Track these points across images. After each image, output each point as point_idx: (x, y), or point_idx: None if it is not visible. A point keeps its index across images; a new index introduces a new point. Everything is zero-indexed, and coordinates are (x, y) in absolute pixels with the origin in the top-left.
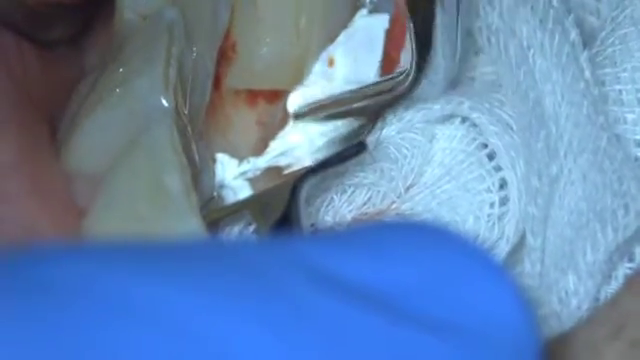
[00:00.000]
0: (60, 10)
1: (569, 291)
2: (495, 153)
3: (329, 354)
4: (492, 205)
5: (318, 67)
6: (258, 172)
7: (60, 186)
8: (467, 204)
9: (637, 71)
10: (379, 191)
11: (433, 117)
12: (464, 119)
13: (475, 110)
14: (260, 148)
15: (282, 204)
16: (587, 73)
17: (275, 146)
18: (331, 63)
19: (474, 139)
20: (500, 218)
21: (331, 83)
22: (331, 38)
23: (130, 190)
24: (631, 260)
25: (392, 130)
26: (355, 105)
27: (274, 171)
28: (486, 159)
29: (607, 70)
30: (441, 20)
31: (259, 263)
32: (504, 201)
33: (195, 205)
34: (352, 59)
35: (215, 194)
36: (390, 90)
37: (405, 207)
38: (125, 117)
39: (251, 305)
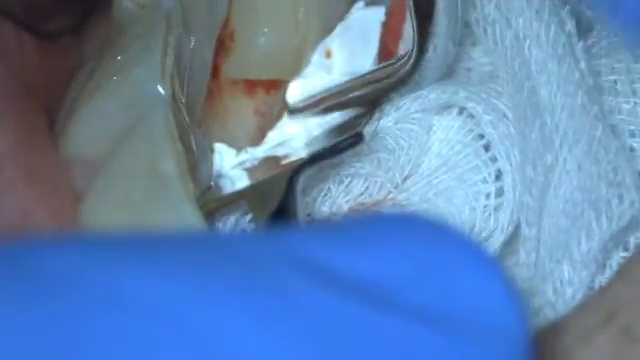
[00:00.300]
0: (60, 2)
1: (564, 281)
2: (491, 144)
3: (319, 345)
4: (488, 196)
5: (316, 58)
6: (256, 162)
7: (57, 175)
8: (463, 195)
9: (632, 62)
10: (376, 181)
11: (429, 106)
12: (461, 110)
13: (471, 100)
14: (258, 138)
15: (279, 194)
16: (582, 64)
17: (273, 136)
18: (328, 55)
19: (471, 130)
20: (496, 209)
21: (329, 74)
22: (328, 30)
23: (127, 177)
24: (626, 249)
25: (389, 121)
26: (355, 94)
27: (272, 161)
28: (482, 150)
29: (602, 61)
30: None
31: (251, 255)
32: (500, 192)
33: (191, 192)
34: (348, 51)
35: (212, 183)
36: (391, 75)
37: (402, 197)
38: (122, 105)
39: (241, 297)
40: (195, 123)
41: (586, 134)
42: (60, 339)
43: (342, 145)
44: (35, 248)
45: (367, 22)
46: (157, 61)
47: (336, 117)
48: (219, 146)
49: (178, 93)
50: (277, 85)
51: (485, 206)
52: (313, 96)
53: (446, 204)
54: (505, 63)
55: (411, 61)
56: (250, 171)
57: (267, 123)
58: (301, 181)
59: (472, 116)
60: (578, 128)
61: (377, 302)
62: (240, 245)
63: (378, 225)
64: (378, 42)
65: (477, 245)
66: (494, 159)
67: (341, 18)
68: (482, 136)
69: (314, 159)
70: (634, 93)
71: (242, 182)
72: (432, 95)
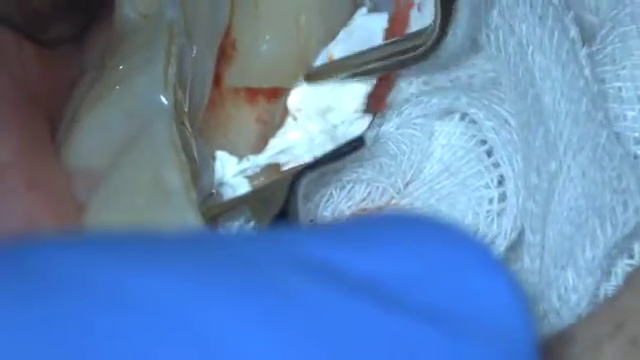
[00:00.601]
0: (61, 9)
1: (568, 287)
2: (493, 149)
3: (323, 344)
4: (491, 201)
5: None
6: (258, 170)
7: (60, 183)
8: (466, 200)
9: (636, 69)
10: (378, 187)
11: (431, 112)
12: (463, 115)
13: (472, 106)
14: (260, 146)
15: (281, 200)
16: (587, 70)
17: (275, 144)
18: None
19: (473, 135)
20: (499, 214)
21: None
22: (331, 36)
23: (130, 186)
24: (631, 257)
25: (391, 126)
26: (374, 65)
27: (274, 169)
28: (485, 155)
29: (607, 68)
30: None
31: (253, 254)
32: (503, 197)
33: (194, 202)
34: None
35: (214, 191)
36: (411, 50)
37: (404, 203)
38: (125, 115)
39: (244, 295)
40: (197, 131)
41: (590, 141)
42: (63, 337)
43: (344, 150)
44: (37, 248)
45: (370, 28)
46: (160, 71)
47: (339, 124)
48: (221, 154)
49: (181, 103)
50: (279, 93)
51: (488, 211)
52: (333, 62)
53: (449, 209)
54: (508, 70)
55: (434, 35)
56: (252, 179)
57: (269, 131)
58: (302, 186)
59: (474, 122)
60: (582, 135)
61: (381, 301)
62: (242, 244)
63: (383, 225)
64: None
65: (483, 246)
66: (496, 164)
67: (344, 24)
68: (484, 142)
69: (316, 164)
70: (639, 100)
71: (243, 190)
72: (434, 100)
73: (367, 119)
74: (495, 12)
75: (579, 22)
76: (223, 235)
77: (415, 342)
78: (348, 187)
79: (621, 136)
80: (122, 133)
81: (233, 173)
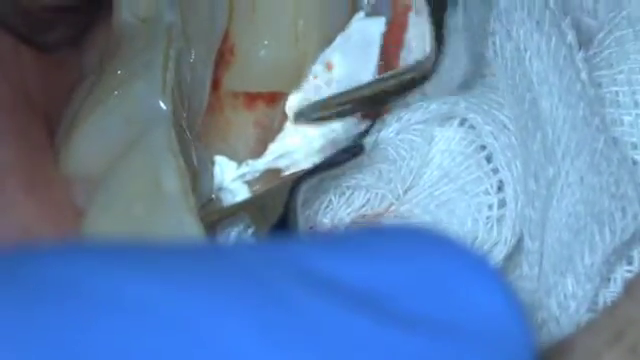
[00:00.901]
0: (59, 14)
1: (568, 294)
2: (492, 154)
3: (316, 353)
4: (490, 207)
5: (316, 70)
6: (257, 174)
7: (58, 189)
8: (465, 206)
9: (633, 73)
10: (377, 193)
11: (430, 117)
12: (462, 121)
13: (471, 110)
14: (259, 151)
15: (280, 206)
16: (583, 75)
17: (274, 148)
18: (329, 66)
19: (473, 141)
20: (499, 220)
21: (329, 86)
22: (328, 41)
23: (128, 192)
24: (630, 263)
25: (390, 132)
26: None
27: (273, 173)
28: (484, 161)
29: (603, 72)
30: None
31: (253, 265)
32: (502, 203)
33: (193, 208)
34: (349, 62)
35: (213, 196)
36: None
37: (403, 209)
38: (123, 120)
39: (243, 305)
40: (195, 136)
41: (588, 146)
42: (61, 343)
43: (343, 156)
44: (35, 255)
45: (367, 33)
46: (158, 75)
47: (338, 129)
48: (220, 159)
49: (179, 107)
50: (278, 97)
51: (488, 217)
52: (317, 103)
53: (448, 216)
54: (506, 74)
55: (427, 60)
56: (251, 184)
57: (268, 135)
58: (301, 193)
59: (473, 127)
60: (580, 140)
61: (379, 313)
62: (242, 255)
63: (380, 237)
64: (378, 53)
65: (479, 256)
66: (496, 170)
67: (341, 29)
68: (484, 147)
69: (315, 170)
70: (636, 105)
71: (243, 195)
72: (433, 106)
73: (366, 124)
74: (492, 17)
75: (577, 25)
76: (223, 245)
77: (412, 354)
78: (347, 193)
79: (618, 141)
80: (121, 138)
81: (232, 178)
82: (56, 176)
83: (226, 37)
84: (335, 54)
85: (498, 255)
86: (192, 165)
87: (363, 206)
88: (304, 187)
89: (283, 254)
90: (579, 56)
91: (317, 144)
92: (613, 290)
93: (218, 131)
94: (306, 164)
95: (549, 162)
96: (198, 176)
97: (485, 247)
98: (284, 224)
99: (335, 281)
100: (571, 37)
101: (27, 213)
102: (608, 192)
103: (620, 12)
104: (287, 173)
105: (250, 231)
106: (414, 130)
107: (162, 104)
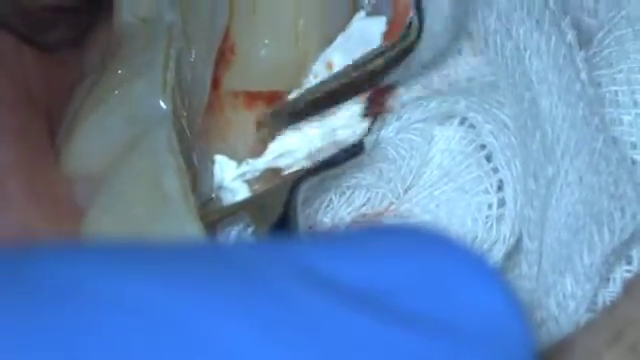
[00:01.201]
0: (60, 14)
1: (567, 294)
2: (492, 153)
3: (317, 352)
4: (490, 206)
5: (317, 69)
6: (257, 174)
7: (58, 188)
8: (465, 205)
9: (633, 72)
10: (377, 192)
11: (430, 116)
12: (462, 120)
13: (471, 109)
14: (259, 150)
15: (280, 206)
16: (583, 74)
17: (274, 148)
18: (330, 66)
19: (472, 140)
20: (498, 220)
21: None
22: (329, 40)
23: (129, 192)
24: (629, 263)
25: (390, 131)
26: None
27: (273, 173)
28: (484, 160)
29: (603, 71)
30: None
31: (253, 264)
32: (502, 203)
33: (193, 207)
34: (349, 61)
35: (213, 195)
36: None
37: (403, 209)
38: (124, 119)
39: (244, 304)
40: (195, 135)
41: (587, 146)
42: (62, 344)
43: (343, 155)
44: (36, 256)
45: (368, 32)
46: (158, 75)
47: (337, 128)
48: (220, 158)
49: (179, 106)
50: (278, 97)
51: (487, 217)
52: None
53: (448, 215)
54: (506, 73)
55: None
56: (251, 183)
57: (268, 135)
58: (302, 192)
59: (473, 127)
60: (579, 139)
61: (379, 311)
62: (242, 254)
63: (380, 236)
64: None
65: (478, 255)
66: (496, 170)
67: (342, 28)
68: (484, 147)
69: (315, 170)
70: (635, 104)
71: (243, 194)
72: (433, 104)
73: (367, 123)
74: (493, 16)
75: (577, 24)
76: (223, 244)
77: (412, 352)
78: (348, 193)
79: (617, 141)
80: (121, 137)
81: (232, 177)
82: (57, 175)
83: (226, 36)
84: (336, 53)
85: (497, 254)
86: (192, 164)
87: (363, 205)
88: (304, 186)
89: (283, 253)
90: (579, 55)
91: (317, 144)
92: (612, 290)
93: (218, 130)
94: (306, 163)
95: (548, 161)
96: (198, 175)
97: (484, 246)
98: (284, 223)
99: (335, 280)
100: (571, 36)
101: (27, 213)
102: (607, 192)
103: (620, 12)
104: (287, 172)
105: (250, 230)
106: (414, 129)
107: (162, 103)
